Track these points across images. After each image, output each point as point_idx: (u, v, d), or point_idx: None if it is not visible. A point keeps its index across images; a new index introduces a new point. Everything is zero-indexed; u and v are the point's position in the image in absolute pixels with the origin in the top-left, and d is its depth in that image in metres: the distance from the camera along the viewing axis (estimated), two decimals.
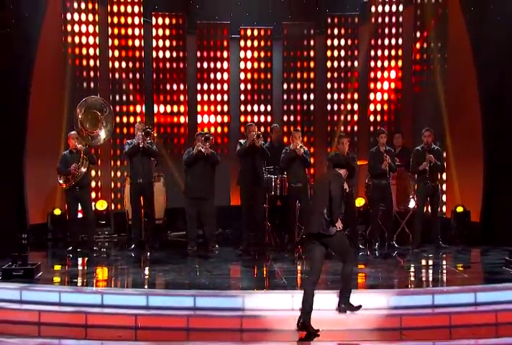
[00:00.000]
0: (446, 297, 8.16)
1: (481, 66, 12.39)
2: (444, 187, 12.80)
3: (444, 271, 10.09)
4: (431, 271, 10.19)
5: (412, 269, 10.22)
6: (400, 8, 13.52)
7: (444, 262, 10.72)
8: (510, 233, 11.11)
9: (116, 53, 13.38)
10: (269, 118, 13.92)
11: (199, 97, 13.88)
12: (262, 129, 13.59)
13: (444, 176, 12.62)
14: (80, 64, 13.02)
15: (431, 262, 10.70)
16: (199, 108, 13.88)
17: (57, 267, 10.45)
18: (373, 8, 13.58)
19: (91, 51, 13.11)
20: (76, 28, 12.95)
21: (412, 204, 12.16)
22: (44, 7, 12.43)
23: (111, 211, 13.10)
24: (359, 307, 7.86)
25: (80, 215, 11.69)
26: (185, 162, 11.39)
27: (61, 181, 11.34)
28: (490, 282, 8.95)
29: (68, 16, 12.90)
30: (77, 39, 12.97)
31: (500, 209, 11.86)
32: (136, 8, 13.45)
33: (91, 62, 13.11)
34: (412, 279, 9.60)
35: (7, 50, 11.42)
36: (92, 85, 13.10)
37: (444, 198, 12.77)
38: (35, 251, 11.27)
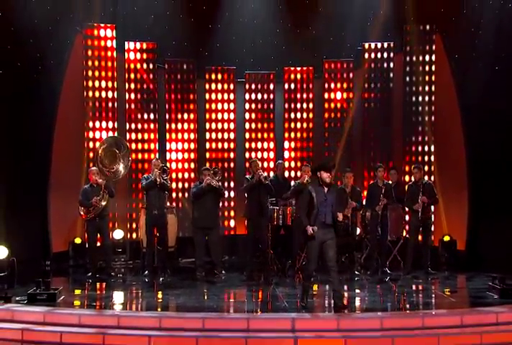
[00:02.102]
0: (435, 320, 8.15)
1: (465, 108, 12.57)
2: (432, 218, 12.87)
3: (433, 295, 10.09)
4: (420, 295, 10.19)
5: (403, 293, 10.21)
6: (391, 55, 13.73)
7: (433, 287, 10.73)
8: (493, 260, 11.18)
9: (132, 96, 13.58)
10: (271, 155, 14.04)
11: (207, 135, 14.03)
12: (266, 164, 13.78)
13: (432, 208, 12.71)
14: (99, 105, 13.19)
15: (420, 287, 10.71)
16: (207, 145, 14.03)
17: (78, 292, 10.47)
18: (366, 55, 13.79)
19: (110, 94, 13.29)
20: (96, 73, 13.19)
21: (404, 234, 12.24)
22: (67, 55, 12.69)
23: (126, 240, 13.13)
24: (345, 307, 8.56)
25: (98, 243, 11.75)
26: (195, 195, 11.41)
27: (82, 212, 11.42)
28: (475, 306, 8.97)
29: (89, 62, 13.15)
30: (97, 84, 13.18)
31: (484, 238, 11.93)
32: (150, 55, 13.68)
33: (109, 104, 13.28)
34: (403, 302, 9.61)
35: (34, 93, 11.60)
36: (110, 124, 13.28)
37: (432, 228, 12.84)
38: (57, 276, 11.28)
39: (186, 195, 13.72)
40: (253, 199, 11.52)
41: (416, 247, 11.65)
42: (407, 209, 12.30)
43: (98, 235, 11.60)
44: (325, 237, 8.72)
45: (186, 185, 13.78)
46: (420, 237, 11.87)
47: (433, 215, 12.86)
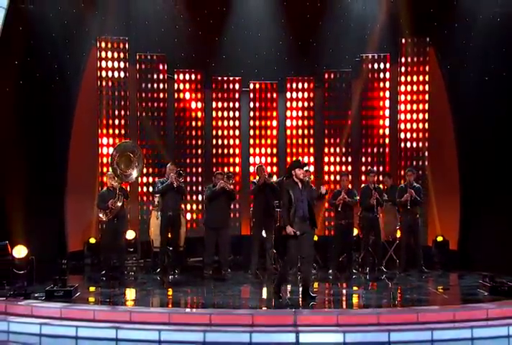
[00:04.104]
0: (429, 315, 8.15)
1: (457, 115, 12.63)
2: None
3: (427, 292, 10.14)
4: (415, 292, 10.20)
5: (399, 290, 10.28)
6: (387, 65, 13.79)
7: (427, 285, 10.80)
8: (483, 259, 11.21)
9: (144, 104, 13.68)
10: (274, 160, 14.11)
11: (214, 141, 14.12)
12: (269, 169, 13.82)
13: (426, 210, 12.75)
14: (112, 114, 13.28)
15: (415, 285, 10.74)
16: (214, 151, 14.11)
17: (92, 289, 10.49)
18: (364, 66, 13.86)
19: (122, 102, 13.37)
20: (110, 83, 13.27)
21: (398, 234, 12.30)
22: (83, 67, 12.80)
23: (138, 240, 13.20)
24: (313, 298, 8.92)
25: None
26: (209, 197, 11.51)
27: (101, 215, 11.47)
28: (467, 302, 9.01)
29: (103, 73, 13.25)
30: (110, 93, 13.27)
31: (475, 239, 11.96)
32: (160, 66, 13.78)
33: (122, 112, 13.36)
34: (399, 299, 9.67)
35: (52, 102, 11.69)
36: (123, 131, 13.36)
37: (425, 229, 12.88)
38: (73, 274, 11.34)
39: (194, 197, 13.82)
40: (260, 201, 11.65)
41: (408, 246, 11.72)
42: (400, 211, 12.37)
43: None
44: (303, 229, 9.01)
45: (194, 188, 13.85)
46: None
47: (427, 218, 12.92)
